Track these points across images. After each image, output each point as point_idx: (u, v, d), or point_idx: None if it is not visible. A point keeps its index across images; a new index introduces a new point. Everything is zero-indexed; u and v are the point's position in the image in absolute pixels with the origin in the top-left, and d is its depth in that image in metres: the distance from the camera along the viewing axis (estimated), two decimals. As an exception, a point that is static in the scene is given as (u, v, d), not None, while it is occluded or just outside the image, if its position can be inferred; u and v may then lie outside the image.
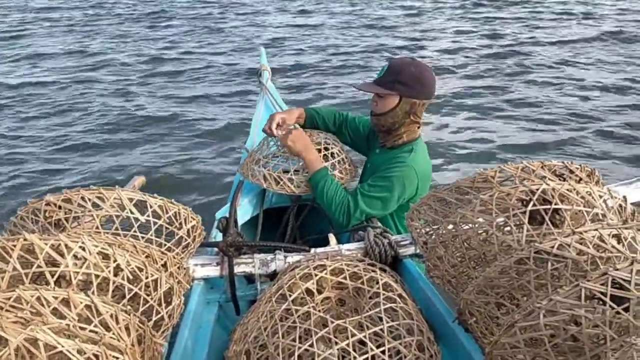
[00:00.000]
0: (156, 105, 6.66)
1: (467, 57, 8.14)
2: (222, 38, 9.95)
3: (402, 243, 1.92)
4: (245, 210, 2.55)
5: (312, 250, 1.90)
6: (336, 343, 1.20)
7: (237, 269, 1.87)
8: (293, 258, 1.85)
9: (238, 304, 1.90)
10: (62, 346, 0.96)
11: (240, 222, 2.38)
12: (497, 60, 7.99)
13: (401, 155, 2.27)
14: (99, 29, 10.92)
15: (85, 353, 0.98)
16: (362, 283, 1.44)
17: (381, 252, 1.85)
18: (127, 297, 1.29)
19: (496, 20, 10.11)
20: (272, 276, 1.84)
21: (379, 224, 2.16)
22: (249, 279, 2.03)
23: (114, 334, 1.12)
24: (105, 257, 1.30)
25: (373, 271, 1.49)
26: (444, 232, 1.49)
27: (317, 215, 2.56)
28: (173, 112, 6.39)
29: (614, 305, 1.00)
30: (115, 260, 1.30)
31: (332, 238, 2.07)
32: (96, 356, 0.99)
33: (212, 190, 4.60)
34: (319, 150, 2.39)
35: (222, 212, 2.33)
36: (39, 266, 1.22)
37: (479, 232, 1.39)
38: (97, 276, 1.26)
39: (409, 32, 9.90)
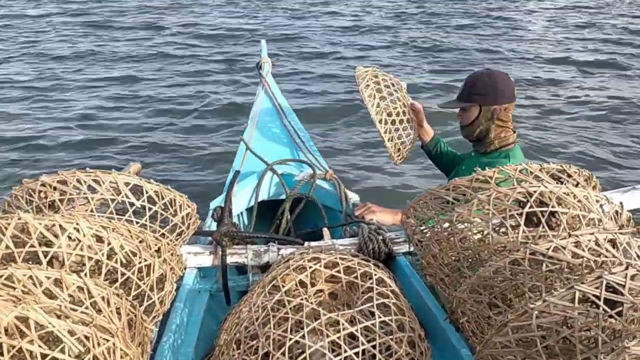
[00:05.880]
0: (156, 95, 6.63)
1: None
2: (223, 31, 9.89)
3: (396, 240, 1.92)
4: (240, 201, 2.55)
5: (306, 243, 1.90)
6: (327, 336, 1.20)
7: (230, 259, 1.87)
8: (286, 250, 1.85)
9: (229, 294, 1.90)
10: (54, 326, 0.95)
11: (235, 212, 2.37)
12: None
13: (498, 161, 2.31)
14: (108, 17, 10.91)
15: (76, 334, 0.98)
16: (356, 277, 1.44)
17: (375, 248, 1.85)
18: (120, 280, 1.29)
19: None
20: (265, 268, 1.83)
21: (374, 221, 2.15)
22: (241, 269, 2.02)
23: (105, 316, 1.11)
24: (99, 239, 1.29)
25: (367, 266, 1.48)
26: (439, 230, 1.49)
27: (312, 209, 2.55)
28: (172, 103, 6.36)
29: (607, 309, 1.00)
30: (109, 244, 1.29)
31: (326, 232, 2.07)
32: (87, 337, 0.99)
33: (208, 180, 4.57)
34: (389, 115, 2.54)
35: (218, 201, 2.32)
36: (32, 246, 1.21)
37: (475, 231, 1.39)
38: (90, 258, 1.25)
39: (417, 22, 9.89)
